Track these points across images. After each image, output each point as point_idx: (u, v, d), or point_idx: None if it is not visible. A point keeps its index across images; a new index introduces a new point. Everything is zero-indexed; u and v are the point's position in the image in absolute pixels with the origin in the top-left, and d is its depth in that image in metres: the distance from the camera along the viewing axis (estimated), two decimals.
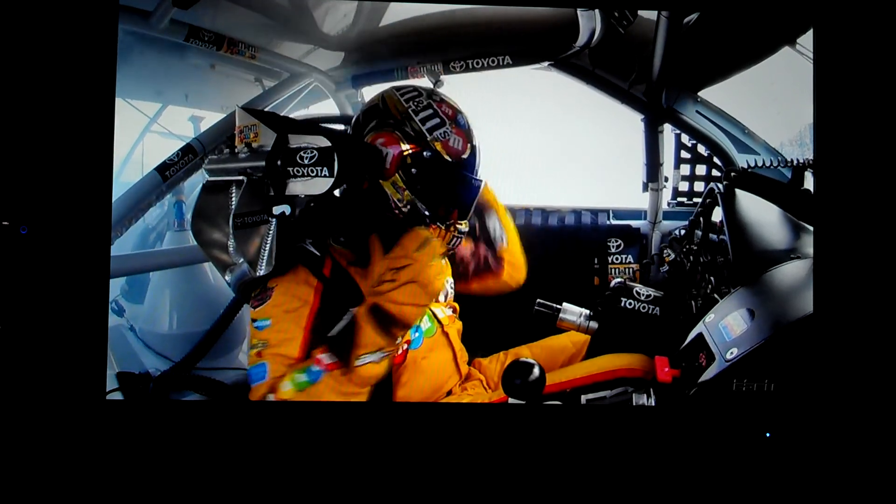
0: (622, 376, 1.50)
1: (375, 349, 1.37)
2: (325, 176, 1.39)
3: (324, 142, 1.39)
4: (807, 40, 1.82)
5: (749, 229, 1.64)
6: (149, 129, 2.05)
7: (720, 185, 1.76)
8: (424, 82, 2.03)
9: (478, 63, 2.16)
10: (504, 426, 1.56)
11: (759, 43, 1.99)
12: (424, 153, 1.47)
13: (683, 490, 1.55)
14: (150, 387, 1.59)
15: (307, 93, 2.23)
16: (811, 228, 1.61)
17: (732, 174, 1.98)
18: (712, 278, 1.70)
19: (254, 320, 1.42)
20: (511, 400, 1.44)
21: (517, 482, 1.55)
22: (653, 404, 1.46)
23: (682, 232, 2.03)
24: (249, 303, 1.45)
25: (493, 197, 1.72)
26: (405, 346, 1.52)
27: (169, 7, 1.79)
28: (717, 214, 1.76)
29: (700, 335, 1.47)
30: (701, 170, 2.28)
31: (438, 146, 1.47)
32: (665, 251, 2.17)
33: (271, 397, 1.36)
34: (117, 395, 1.57)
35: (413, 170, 1.46)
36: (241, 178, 1.45)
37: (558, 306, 1.66)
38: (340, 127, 1.67)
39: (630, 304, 1.63)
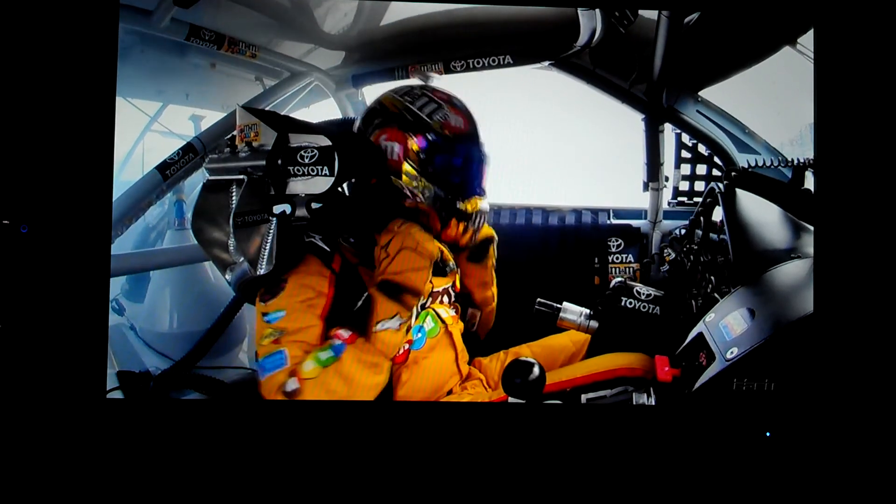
0: (622, 376, 1.50)
1: (392, 315, 1.41)
2: (325, 175, 1.39)
3: (324, 141, 1.40)
4: (807, 40, 1.82)
5: (749, 229, 1.64)
6: (149, 127, 2.06)
7: (721, 185, 1.76)
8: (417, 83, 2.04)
9: (478, 62, 2.17)
10: (504, 425, 1.56)
11: (759, 42, 1.99)
12: (429, 136, 1.50)
13: (684, 489, 1.55)
14: (151, 386, 1.60)
15: (308, 92, 2.24)
16: (812, 228, 1.61)
17: (733, 174, 1.98)
18: (713, 278, 1.70)
19: (264, 314, 1.42)
20: (511, 399, 1.44)
21: (517, 481, 1.55)
22: (653, 404, 1.46)
23: (683, 231, 2.03)
24: (259, 297, 1.44)
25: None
26: (407, 346, 1.53)
27: (170, 6, 1.80)
28: (718, 214, 1.76)
29: (700, 335, 1.47)
30: (701, 169, 2.29)
31: (440, 127, 1.51)
32: (665, 250, 2.17)
33: (291, 383, 1.35)
34: (118, 394, 1.57)
35: (422, 155, 1.50)
36: (241, 177, 1.45)
37: (558, 305, 1.66)
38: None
39: (630, 303, 1.63)
